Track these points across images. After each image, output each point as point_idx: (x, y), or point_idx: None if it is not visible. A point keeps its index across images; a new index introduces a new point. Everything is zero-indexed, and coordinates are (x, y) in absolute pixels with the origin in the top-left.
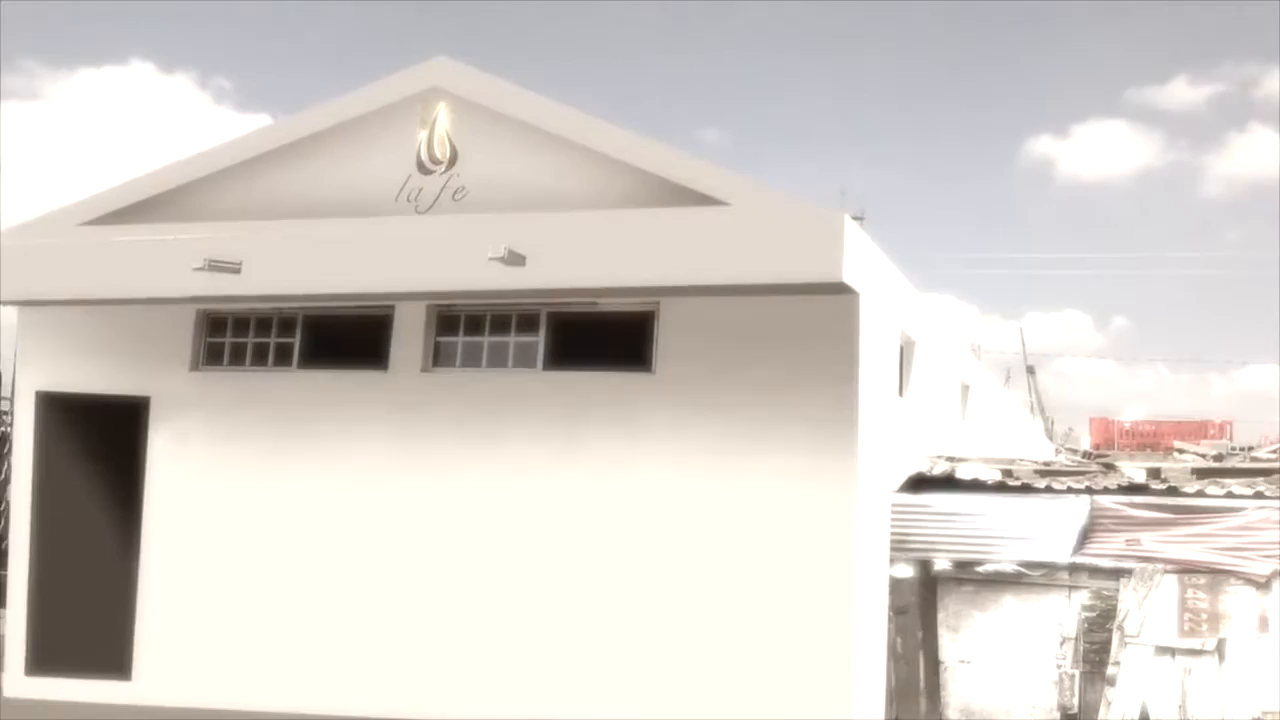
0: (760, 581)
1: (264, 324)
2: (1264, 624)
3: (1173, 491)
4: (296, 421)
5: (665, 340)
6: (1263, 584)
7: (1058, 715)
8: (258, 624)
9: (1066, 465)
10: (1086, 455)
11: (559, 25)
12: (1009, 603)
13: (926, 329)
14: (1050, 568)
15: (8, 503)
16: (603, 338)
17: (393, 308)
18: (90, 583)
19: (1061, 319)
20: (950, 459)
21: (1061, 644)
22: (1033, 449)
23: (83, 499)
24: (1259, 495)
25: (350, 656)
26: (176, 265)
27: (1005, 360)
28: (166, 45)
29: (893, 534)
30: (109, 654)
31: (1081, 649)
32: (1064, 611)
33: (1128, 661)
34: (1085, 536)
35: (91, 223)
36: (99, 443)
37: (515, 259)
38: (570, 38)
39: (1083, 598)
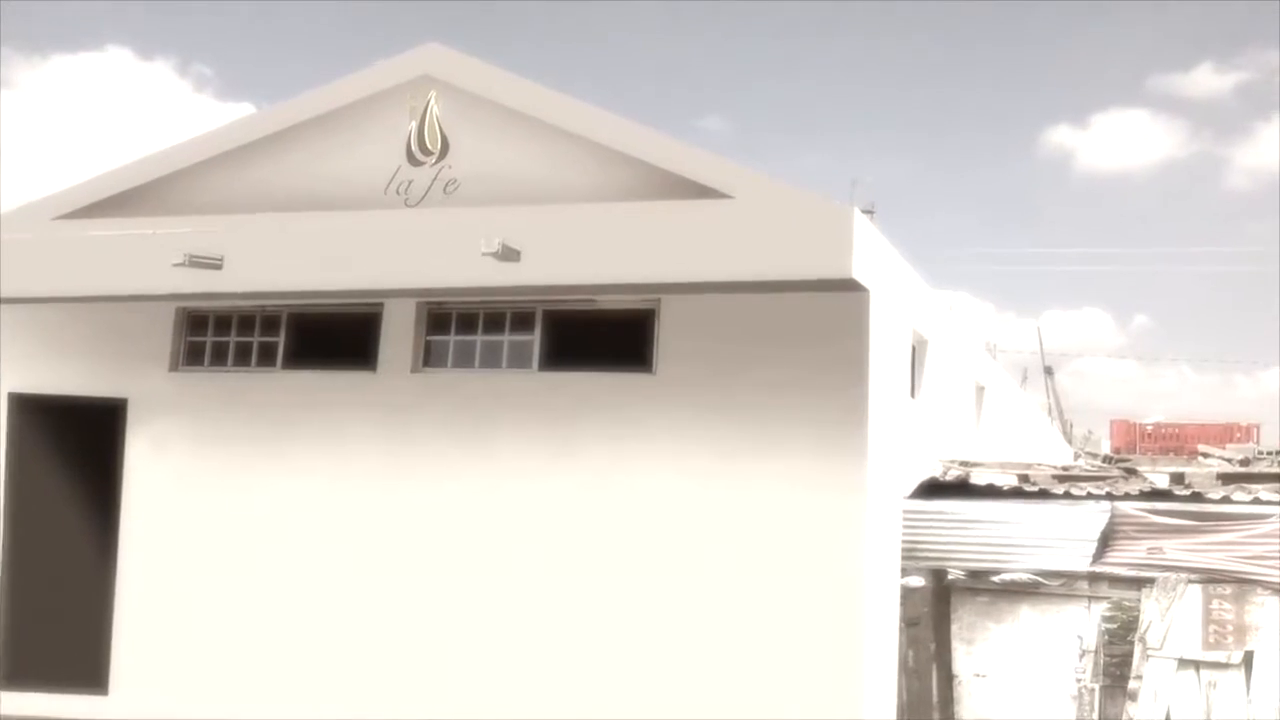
0: (765, 591)
1: (247, 322)
2: None
3: (1197, 497)
4: (281, 424)
5: (666, 339)
6: None
7: None
8: (240, 635)
9: (1086, 470)
10: (1107, 459)
11: (553, 11)
12: (1026, 614)
13: (939, 328)
14: (1069, 577)
15: None
16: (601, 337)
17: (381, 305)
18: (65, 592)
19: (1080, 317)
20: (964, 463)
21: (1081, 657)
22: (1051, 453)
23: (58, 505)
24: None
25: (338, 668)
26: (155, 261)
27: (1022, 360)
28: (145, 30)
29: (904, 542)
30: (85, 666)
31: (1102, 662)
32: (1083, 623)
33: (1150, 675)
34: (1105, 545)
35: (66, 217)
36: (75, 447)
37: (509, 254)
38: (566, 23)
39: (1103, 608)
